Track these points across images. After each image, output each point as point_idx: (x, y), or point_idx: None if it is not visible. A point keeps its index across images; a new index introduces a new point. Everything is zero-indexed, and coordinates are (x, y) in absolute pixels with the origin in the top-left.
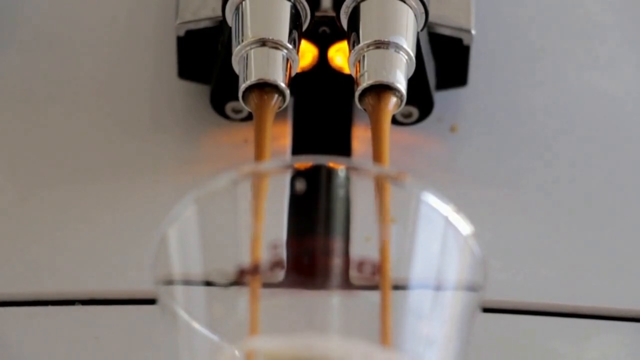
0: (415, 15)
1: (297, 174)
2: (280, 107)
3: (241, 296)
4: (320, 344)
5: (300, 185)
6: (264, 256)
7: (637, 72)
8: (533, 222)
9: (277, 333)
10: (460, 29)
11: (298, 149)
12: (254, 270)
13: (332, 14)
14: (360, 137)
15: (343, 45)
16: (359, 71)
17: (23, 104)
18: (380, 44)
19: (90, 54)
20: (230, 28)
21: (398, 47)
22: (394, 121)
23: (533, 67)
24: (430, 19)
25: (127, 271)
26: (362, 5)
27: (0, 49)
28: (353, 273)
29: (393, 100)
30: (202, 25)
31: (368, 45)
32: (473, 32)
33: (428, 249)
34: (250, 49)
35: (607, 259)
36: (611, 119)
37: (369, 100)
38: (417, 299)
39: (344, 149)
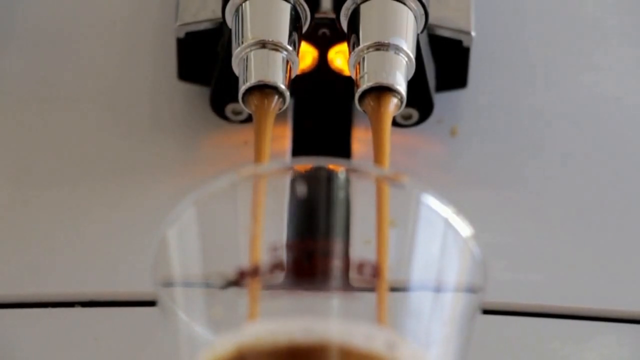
0: (415, 17)
1: (297, 176)
2: (280, 109)
3: (241, 298)
4: (319, 327)
5: (300, 187)
6: (264, 258)
7: (637, 74)
8: (533, 223)
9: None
10: (460, 31)
11: (298, 150)
12: (254, 272)
13: (332, 15)
14: (360, 138)
15: (343, 47)
16: (359, 73)
17: (23, 105)
18: (380, 46)
19: (90, 55)
20: (230, 30)
21: (398, 49)
22: (394, 123)
23: (532, 68)
24: (430, 20)
25: (127, 273)
26: (362, 7)
27: (1, 50)
28: (353, 275)
29: (393, 102)
30: (202, 27)
31: (368, 47)
32: (473, 34)
33: (428, 250)
34: (250, 50)
35: (606, 261)
36: (612, 121)
37: (369, 102)
38: (417, 300)
39: (344, 150)
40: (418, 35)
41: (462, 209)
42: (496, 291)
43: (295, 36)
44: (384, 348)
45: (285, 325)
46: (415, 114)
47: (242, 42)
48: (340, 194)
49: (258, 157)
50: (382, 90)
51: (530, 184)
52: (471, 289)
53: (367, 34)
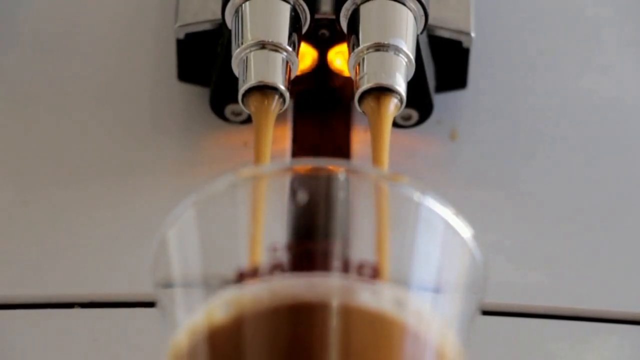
0: (414, 18)
1: (297, 177)
2: (280, 110)
3: None
4: (323, 283)
5: (300, 188)
6: (264, 259)
7: (637, 75)
8: (533, 224)
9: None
10: (460, 32)
11: (298, 151)
12: (254, 273)
13: (331, 16)
14: (360, 139)
15: (343, 47)
16: (359, 74)
17: (23, 106)
18: (380, 47)
19: (90, 56)
20: (230, 30)
21: (398, 50)
22: (394, 124)
23: (532, 69)
24: (430, 21)
25: (127, 274)
26: (362, 8)
27: (1, 51)
28: (353, 275)
29: (393, 102)
30: (201, 27)
31: (368, 48)
32: (472, 34)
33: (428, 251)
34: (250, 51)
35: (606, 262)
36: (611, 122)
37: (369, 102)
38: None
39: (343, 151)
40: (418, 36)
41: (462, 210)
42: (496, 291)
43: (295, 37)
44: (391, 305)
45: (287, 281)
46: (415, 115)
47: (242, 43)
48: (339, 195)
49: (258, 158)
50: (382, 91)
51: (530, 184)
52: (471, 289)
53: (366, 35)
